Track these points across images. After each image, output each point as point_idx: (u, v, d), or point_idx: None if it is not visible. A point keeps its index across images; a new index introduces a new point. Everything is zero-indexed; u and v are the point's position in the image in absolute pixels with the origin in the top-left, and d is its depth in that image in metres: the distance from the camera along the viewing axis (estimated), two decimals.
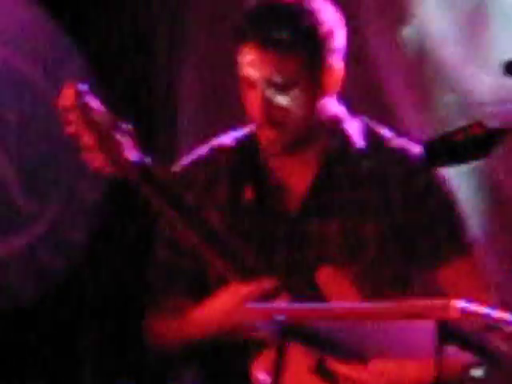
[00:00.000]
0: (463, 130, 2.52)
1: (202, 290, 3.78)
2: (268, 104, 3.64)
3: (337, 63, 3.76)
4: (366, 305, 3.24)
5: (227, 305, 3.61)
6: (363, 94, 5.18)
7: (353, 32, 5.20)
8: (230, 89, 5.26)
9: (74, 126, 3.56)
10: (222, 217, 3.80)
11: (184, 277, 3.83)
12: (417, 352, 3.35)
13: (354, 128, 3.84)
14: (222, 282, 3.71)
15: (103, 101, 3.85)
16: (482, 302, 3.33)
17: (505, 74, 2.70)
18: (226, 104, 5.49)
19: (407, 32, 5.18)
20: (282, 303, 3.46)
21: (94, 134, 3.56)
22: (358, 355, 3.48)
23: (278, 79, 3.62)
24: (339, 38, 3.80)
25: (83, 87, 3.68)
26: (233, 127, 4.27)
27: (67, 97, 3.61)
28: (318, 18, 3.69)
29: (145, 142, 5.45)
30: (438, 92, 5.08)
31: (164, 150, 5.60)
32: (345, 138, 3.81)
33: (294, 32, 3.63)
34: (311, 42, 3.66)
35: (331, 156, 3.78)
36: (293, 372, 3.44)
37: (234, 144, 3.90)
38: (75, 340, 5.43)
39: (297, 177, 3.76)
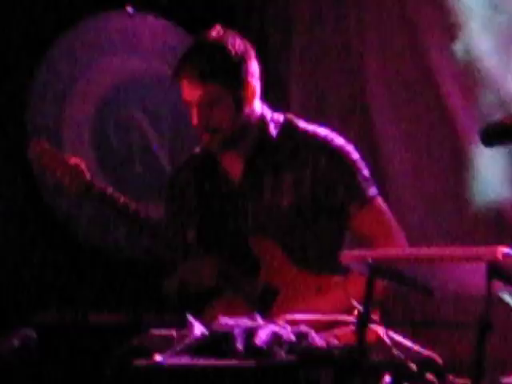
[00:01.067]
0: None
1: None
2: (203, 117, 3.79)
3: (251, 80, 3.87)
4: (435, 250, 3.07)
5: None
6: (422, 94, 5.17)
7: (414, 47, 5.21)
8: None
9: (48, 167, 3.87)
10: (197, 201, 3.96)
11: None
12: (467, 287, 3.29)
13: (273, 124, 3.95)
14: None
15: None
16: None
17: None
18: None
19: (458, 45, 5.08)
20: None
21: (62, 169, 3.85)
22: (426, 290, 3.35)
23: (205, 100, 3.78)
24: (250, 64, 3.91)
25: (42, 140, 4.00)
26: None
27: (34, 148, 3.94)
28: (230, 52, 3.83)
29: None
30: (482, 93, 5.01)
31: None
32: (265, 133, 3.92)
33: (212, 66, 3.80)
34: (227, 71, 3.82)
35: (254, 148, 3.90)
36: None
37: (198, 151, 4.04)
38: None
39: (235, 167, 3.89)
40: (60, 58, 5.22)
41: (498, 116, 2.66)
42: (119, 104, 5.39)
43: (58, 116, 5.23)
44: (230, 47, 3.85)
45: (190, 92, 3.81)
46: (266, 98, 4.34)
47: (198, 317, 3.23)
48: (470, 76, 5.06)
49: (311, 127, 4.02)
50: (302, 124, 4.04)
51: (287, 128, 3.97)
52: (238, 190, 3.90)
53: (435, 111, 5.10)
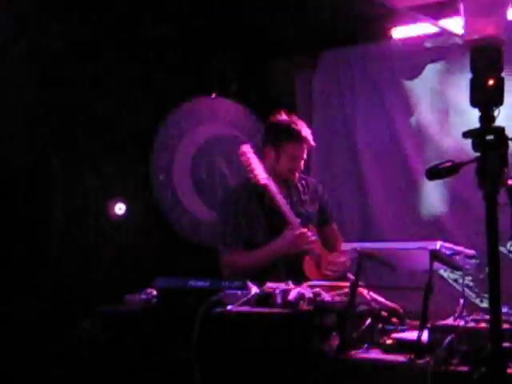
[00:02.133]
0: (445, 163, 2.50)
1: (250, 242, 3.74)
2: (301, 164, 3.74)
3: None
4: (398, 244, 3.13)
5: (283, 240, 3.64)
6: (391, 150, 5.15)
7: (386, 119, 5.20)
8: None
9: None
10: (260, 212, 3.73)
11: (242, 236, 3.73)
12: (417, 266, 3.20)
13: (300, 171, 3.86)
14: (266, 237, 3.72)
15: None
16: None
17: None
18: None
19: (412, 119, 5.05)
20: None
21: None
22: (392, 267, 3.28)
23: (304, 155, 3.75)
24: None
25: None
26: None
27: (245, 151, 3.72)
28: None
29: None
30: (427, 148, 4.99)
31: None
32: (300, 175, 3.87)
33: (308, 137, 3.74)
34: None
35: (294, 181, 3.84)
36: (310, 267, 3.67)
37: (247, 183, 3.77)
38: None
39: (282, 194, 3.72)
40: (171, 125, 5.15)
41: (436, 162, 2.64)
42: (207, 154, 5.29)
43: (171, 160, 5.15)
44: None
45: (301, 149, 3.74)
46: None
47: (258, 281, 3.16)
48: (420, 137, 5.01)
49: (310, 177, 4.09)
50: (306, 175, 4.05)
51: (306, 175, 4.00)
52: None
53: (399, 159, 5.09)
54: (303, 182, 3.91)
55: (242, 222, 3.73)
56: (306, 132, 3.78)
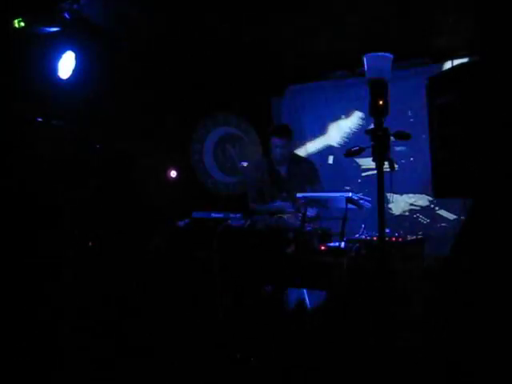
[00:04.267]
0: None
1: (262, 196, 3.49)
2: (285, 152, 3.45)
3: None
4: (328, 192, 3.09)
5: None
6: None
7: (320, 122, 4.87)
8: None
9: None
10: (269, 180, 3.50)
11: (256, 191, 3.52)
12: (339, 205, 3.01)
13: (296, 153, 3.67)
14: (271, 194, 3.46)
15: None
16: None
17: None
18: None
19: (338, 122, 4.88)
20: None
21: None
22: (325, 206, 3.23)
23: (287, 143, 3.45)
24: None
25: None
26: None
27: None
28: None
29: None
30: (347, 140, 4.82)
31: None
32: (294, 157, 3.56)
33: (289, 133, 3.46)
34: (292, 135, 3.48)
35: (291, 162, 3.50)
36: None
37: (264, 158, 3.56)
38: None
39: (283, 168, 3.48)
40: (202, 127, 5.02)
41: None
42: (222, 142, 5.13)
43: (202, 146, 5.07)
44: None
45: (282, 141, 3.41)
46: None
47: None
48: (341, 132, 4.84)
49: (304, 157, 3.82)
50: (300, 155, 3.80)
51: (296, 156, 3.65)
52: (285, 178, 3.51)
53: (329, 148, 4.87)
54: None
55: (257, 184, 3.56)
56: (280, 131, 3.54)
